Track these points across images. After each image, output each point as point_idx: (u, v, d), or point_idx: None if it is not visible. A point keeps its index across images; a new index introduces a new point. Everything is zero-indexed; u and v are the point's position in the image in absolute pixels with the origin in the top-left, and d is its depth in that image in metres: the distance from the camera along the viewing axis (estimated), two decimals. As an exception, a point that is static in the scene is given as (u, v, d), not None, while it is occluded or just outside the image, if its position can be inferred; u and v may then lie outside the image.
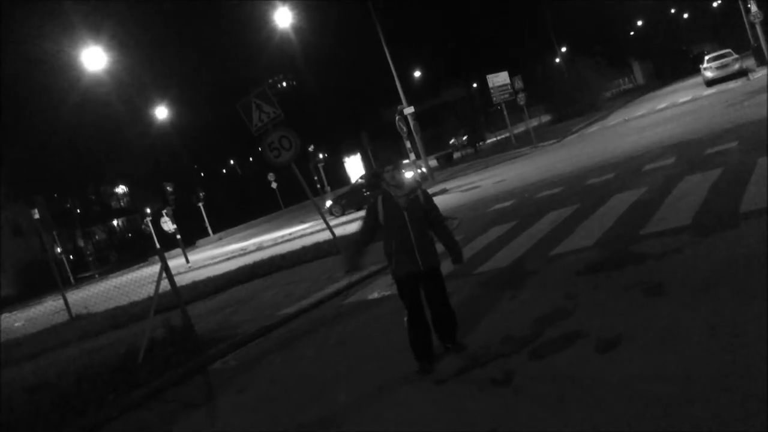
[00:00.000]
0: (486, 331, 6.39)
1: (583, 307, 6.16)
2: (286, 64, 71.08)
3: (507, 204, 14.69)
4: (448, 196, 22.13)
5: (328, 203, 32.04)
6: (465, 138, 46.34)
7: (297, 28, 39.85)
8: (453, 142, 47.44)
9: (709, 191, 9.03)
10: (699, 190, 9.29)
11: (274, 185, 49.64)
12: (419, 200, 5.87)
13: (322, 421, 5.57)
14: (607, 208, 10.28)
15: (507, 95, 35.68)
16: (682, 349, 4.63)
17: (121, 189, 76.00)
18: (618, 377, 4.54)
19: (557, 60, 61.83)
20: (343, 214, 30.00)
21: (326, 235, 16.25)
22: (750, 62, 34.67)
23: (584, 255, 7.97)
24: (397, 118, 27.92)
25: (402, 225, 5.76)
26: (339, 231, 18.91)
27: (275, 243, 26.79)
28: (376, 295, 9.79)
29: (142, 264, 38.16)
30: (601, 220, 9.58)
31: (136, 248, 56.62)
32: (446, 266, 6.46)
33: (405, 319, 5.96)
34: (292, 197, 47.48)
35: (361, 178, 31.97)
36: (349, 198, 30.57)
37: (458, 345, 6.06)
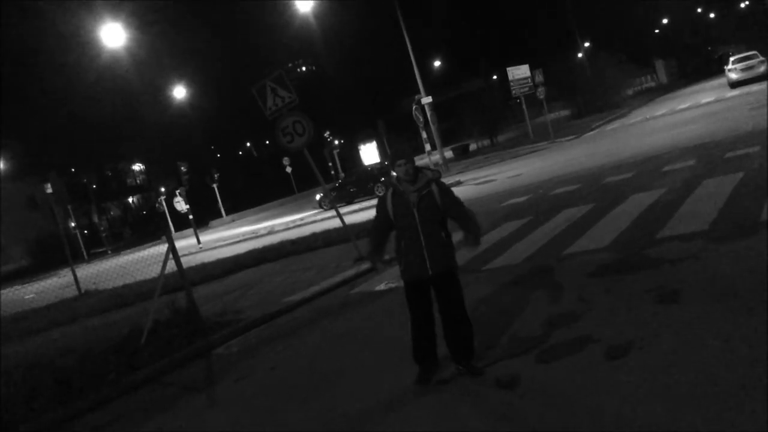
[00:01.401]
0: (493, 329, 6.23)
1: (594, 311, 5.99)
2: (306, 48, 70.83)
3: (522, 199, 14.49)
4: (462, 189, 21.91)
5: (318, 196, 32.00)
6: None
7: (318, 13, 39.66)
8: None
9: (729, 196, 8.80)
10: (719, 194, 9.06)
11: (288, 169, 49.58)
12: (434, 196, 5.25)
13: (320, 415, 5.45)
14: (623, 209, 10.07)
15: (527, 89, 35.31)
16: (695, 360, 4.45)
17: (137, 167, 76.26)
18: (628, 386, 4.38)
19: (579, 55, 61.15)
20: (332, 208, 29.91)
21: (337, 222, 16.12)
22: (777, 65, 34.00)
23: (598, 256, 7.78)
24: (414, 107, 27.68)
25: (411, 225, 5.22)
26: (327, 225, 18.85)
27: (287, 228, 26.73)
28: (383, 286, 9.66)
29: (154, 242, 38.26)
30: (617, 220, 9.37)
31: (150, 226, 56.86)
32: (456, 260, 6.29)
33: (410, 327, 5.52)
34: (306, 182, 47.33)
35: (347, 175, 31.82)
36: (339, 192, 30.61)
37: (473, 369, 5.34)
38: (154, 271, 13.90)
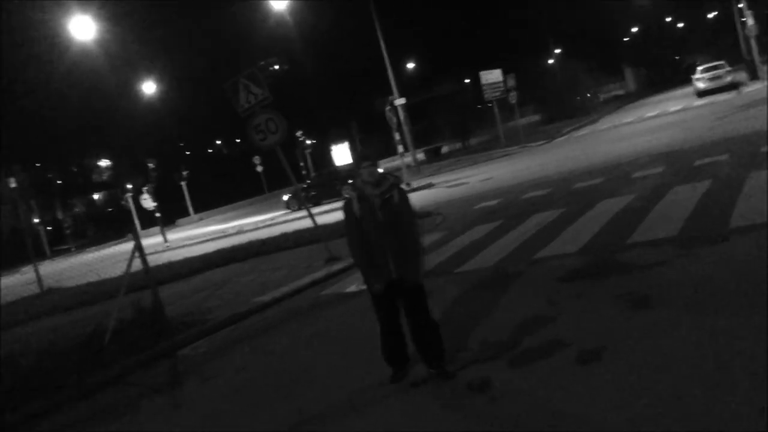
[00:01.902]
0: (464, 333, 6.19)
1: (565, 315, 5.98)
2: (279, 47, 70.38)
3: (493, 203, 14.52)
4: (434, 191, 21.95)
5: (286, 197, 31.89)
6: None
7: (292, 12, 39.42)
8: None
9: (698, 203, 8.90)
10: (688, 201, 9.15)
11: (259, 168, 49.23)
12: (393, 199, 5.27)
13: (289, 417, 5.35)
14: (593, 214, 10.13)
15: (499, 93, 35.53)
16: (667, 365, 4.45)
17: (104, 162, 75.00)
18: (600, 391, 4.37)
19: (550, 61, 61.77)
20: (299, 209, 29.84)
21: (307, 223, 15.99)
22: (742, 76, 34.77)
23: (569, 261, 7.80)
24: (387, 108, 27.65)
25: (375, 227, 5.22)
26: (297, 225, 18.74)
27: (256, 227, 26.50)
28: (354, 288, 9.57)
29: (120, 240, 37.67)
30: (587, 225, 9.42)
31: (115, 224, 55.96)
32: (426, 263, 6.26)
33: (378, 330, 5.52)
34: (276, 182, 47.01)
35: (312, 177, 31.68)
36: (308, 193, 30.55)
37: (444, 372, 5.31)
38: (119, 269, 13.66)
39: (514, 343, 5.63)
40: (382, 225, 5.20)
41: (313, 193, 30.47)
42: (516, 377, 4.98)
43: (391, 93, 30.76)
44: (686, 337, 4.82)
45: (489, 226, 11.50)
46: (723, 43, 59.71)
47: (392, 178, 5.46)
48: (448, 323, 6.47)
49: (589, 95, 50.82)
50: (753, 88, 29.27)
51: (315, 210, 25.99)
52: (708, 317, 5.05)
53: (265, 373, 6.77)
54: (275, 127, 12.22)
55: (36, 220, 47.04)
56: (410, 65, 69.93)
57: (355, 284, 9.73)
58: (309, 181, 32.61)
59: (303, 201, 29.44)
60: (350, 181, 28.76)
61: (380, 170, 5.50)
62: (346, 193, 5.56)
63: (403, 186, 5.63)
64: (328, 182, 30.58)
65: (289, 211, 30.76)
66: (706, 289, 5.65)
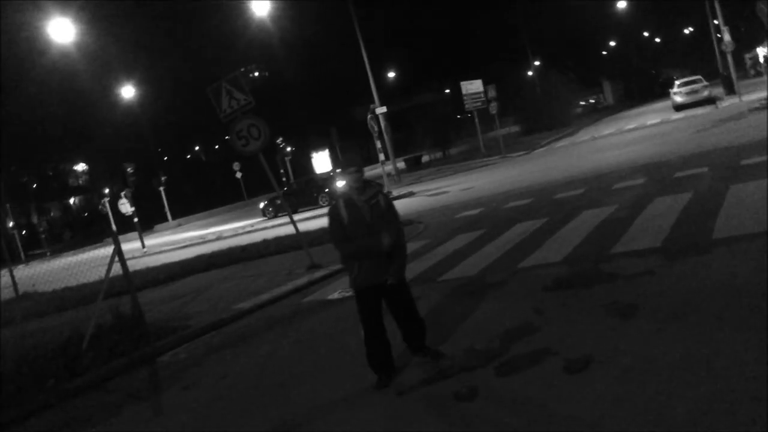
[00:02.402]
0: (450, 341, 6.15)
1: (551, 325, 5.97)
2: (259, 53, 70.20)
3: (474, 212, 14.54)
4: (415, 200, 21.95)
5: (262, 204, 31.87)
6: None
7: (274, 18, 39.37)
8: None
9: (680, 214, 8.97)
10: (670, 212, 9.22)
11: (238, 175, 48.93)
12: (380, 204, 5.41)
13: (270, 425, 5.27)
14: (576, 224, 10.17)
15: (479, 103, 35.69)
16: (655, 375, 4.45)
17: (80, 167, 74.07)
18: (588, 401, 4.35)
19: (530, 73, 62.27)
20: (275, 216, 29.89)
21: (287, 230, 15.90)
22: (719, 90, 35.29)
23: (553, 270, 7.81)
24: (369, 116, 27.67)
25: (364, 231, 5.32)
26: (278, 232, 18.67)
27: (235, 234, 26.31)
28: (336, 295, 9.52)
29: (96, 245, 37.17)
30: (571, 235, 9.45)
31: (91, 228, 55.28)
32: (410, 271, 6.22)
33: (361, 333, 5.55)
34: (256, 188, 46.77)
35: (291, 184, 31.58)
36: (283, 200, 30.27)
37: (433, 352, 5.69)
38: (96, 275, 13.47)
39: (500, 352, 5.60)
40: (370, 229, 5.29)
41: (293, 199, 30.29)
42: (504, 386, 4.96)
43: (371, 101, 30.79)
44: (674, 346, 4.83)
45: (471, 235, 11.50)
46: (699, 58, 60.76)
47: (376, 185, 5.59)
48: (433, 330, 6.42)
49: (585, 103, 51.21)
50: (729, 103, 29.74)
51: (284, 220, 26.07)
52: (695, 327, 5.07)
53: (247, 380, 6.68)
54: (258, 133, 12.14)
55: (10, 224, 46.30)
56: (391, 74, 70.21)
57: (337, 292, 9.68)
58: (286, 189, 32.46)
59: (279, 208, 29.56)
60: (327, 190, 28.85)
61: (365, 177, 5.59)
62: (323, 201, 5.61)
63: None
64: (305, 190, 30.50)
65: (265, 218, 30.62)
66: (693, 299, 5.67)
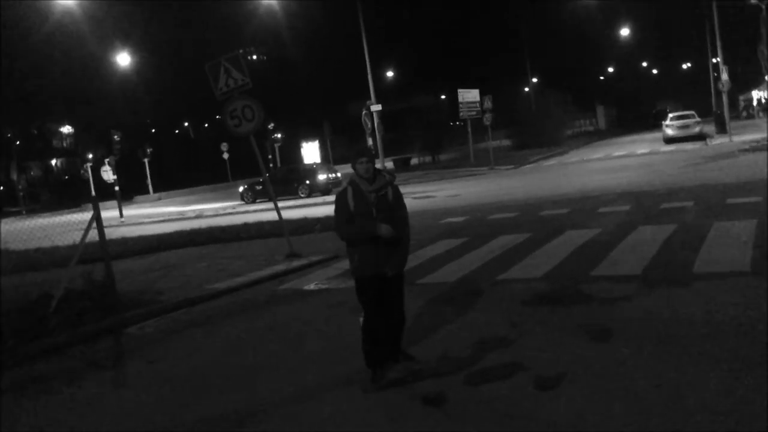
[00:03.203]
0: (424, 345, 6.11)
1: (526, 339, 5.96)
2: (261, 37, 69.84)
3: (459, 219, 14.52)
4: (400, 201, 21.87)
5: (241, 188, 31.86)
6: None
7: (281, 4, 39.16)
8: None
9: (662, 245, 9.01)
10: (652, 242, 9.26)
11: (225, 156, 48.59)
12: (387, 198, 5.36)
13: (232, 413, 5.20)
14: (559, 242, 10.19)
15: (474, 113, 35.79)
16: (626, 400, 4.45)
17: (67, 129, 73.04)
18: (555, 418, 4.33)
19: (527, 89, 62.49)
20: (253, 202, 29.90)
21: (268, 216, 15.81)
22: (710, 128, 35.63)
23: (532, 285, 7.80)
24: (363, 113, 27.60)
25: (369, 222, 5.26)
26: (260, 217, 18.57)
27: (216, 214, 26.10)
28: (312, 286, 9.45)
29: (73, 209, 36.71)
30: (553, 253, 9.46)
31: (71, 192, 54.58)
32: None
33: (361, 320, 5.45)
34: (242, 170, 46.46)
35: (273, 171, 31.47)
36: (263, 187, 30.22)
37: (407, 355, 5.59)
38: (70, 239, 13.26)
39: (473, 361, 5.58)
40: (377, 221, 5.22)
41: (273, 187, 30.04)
42: (472, 395, 4.93)
43: (367, 98, 30.69)
44: (645, 373, 4.84)
45: (454, 242, 11.48)
46: (694, 94, 61.36)
47: (387, 176, 5.50)
48: (407, 333, 6.38)
49: (561, 130, 51.32)
50: (719, 142, 30.03)
51: (271, 205, 25.92)
52: (667, 357, 5.08)
53: (214, 361, 6.59)
54: (252, 114, 12.03)
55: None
56: (389, 73, 70.17)
57: (313, 283, 9.61)
58: (267, 175, 32.18)
59: (258, 194, 29.61)
60: (307, 182, 28.71)
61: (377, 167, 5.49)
62: (303, 193, 5.46)
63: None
64: (287, 179, 30.30)
65: (243, 202, 30.56)
66: (667, 330, 5.69)
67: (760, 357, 4.83)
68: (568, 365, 5.17)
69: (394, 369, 5.44)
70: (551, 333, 6.04)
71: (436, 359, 5.75)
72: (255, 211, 24.26)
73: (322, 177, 29.95)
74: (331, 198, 25.13)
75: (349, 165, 5.49)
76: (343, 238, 5.45)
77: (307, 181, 29.46)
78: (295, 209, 21.45)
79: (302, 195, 29.20)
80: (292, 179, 30.26)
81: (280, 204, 24.06)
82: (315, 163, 34.97)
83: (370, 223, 5.23)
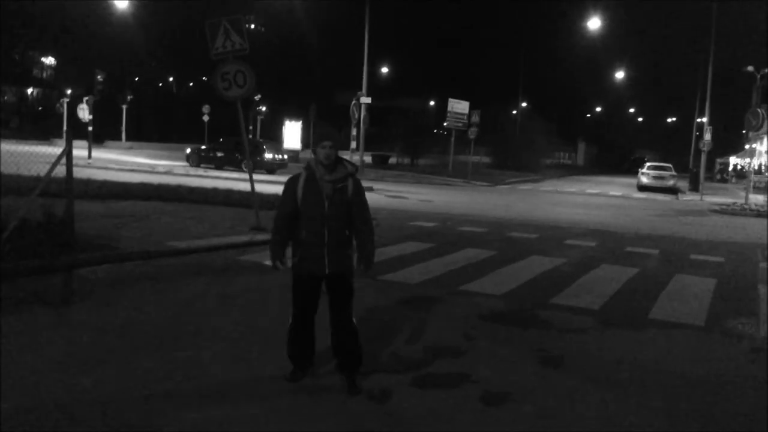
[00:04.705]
0: (375, 341, 6.05)
1: (478, 352, 5.96)
2: (264, 7, 69.18)
3: (429, 224, 14.52)
4: (374, 196, 21.78)
5: (188, 150, 32.23)
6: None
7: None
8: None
9: (623, 285, 9.12)
10: (614, 281, 9.36)
11: (205, 118, 47.94)
12: (347, 191, 4.82)
13: (164, 370, 5.09)
14: (523, 265, 10.24)
15: (461, 124, 35.93)
16: (562, 428, 4.48)
17: (49, 60, 71.29)
18: (496, 435, 4.33)
19: (515, 112, 62.96)
20: (198, 166, 30.43)
21: (244, 186, 15.62)
22: (683, 184, 36.32)
23: (491, 301, 7.82)
24: (353, 102, 27.49)
25: (318, 215, 4.75)
26: (181, 181, 18.41)
27: (187, 174, 25.73)
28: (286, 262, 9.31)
29: (41, 141, 35.85)
30: (515, 274, 9.50)
31: (42, 125, 53.35)
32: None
33: (289, 322, 5.05)
34: (218, 135, 45.89)
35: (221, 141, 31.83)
36: (208, 154, 31.06)
37: (352, 385, 4.94)
38: (34, 170, 12.94)
39: (423, 364, 5.56)
40: (326, 216, 4.76)
41: (219, 154, 30.63)
42: (418, 397, 4.90)
43: (357, 89, 30.56)
44: (587, 405, 4.88)
45: (421, 245, 11.47)
46: (673, 147, 62.52)
47: (350, 167, 4.92)
48: (361, 327, 6.32)
49: (541, 159, 51.72)
50: (689, 198, 30.62)
51: (216, 173, 26.12)
52: (611, 393, 5.13)
53: (161, 317, 6.45)
54: (243, 81, 11.88)
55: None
56: (384, 69, 70.06)
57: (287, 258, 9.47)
58: (213, 144, 32.44)
59: (202, 160, 30.53)
60: (238, 155, 28.61)
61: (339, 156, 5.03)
62: (245, 167, 5.06)
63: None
64: (232, 150, 30.24)
65: (187, 165, 30.87)
66: (615, 368, 5.75)
67: (698, 413, 4.92)
68: (514, 385, 5.18)
69: (317, 373, 5.20)
70: (503, 351, 6.05)
71: (387, 356, 5.72)
72: (228, 178, 23.94)
73: (267, 155, 30.10)
74: (274, 178, 25.13)
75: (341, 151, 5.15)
76: (273, 237, 5.01)
77: (257, 156, 29.63)
78: (237, 182, 21.29)
79: (245, 169, 29.08)
80: (239, 152, 30.29)
81: (223, 174, 23.96)
82: (263, 140, 34.97)
83: (278, 246, 4.92)
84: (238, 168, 28.55)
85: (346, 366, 5.03)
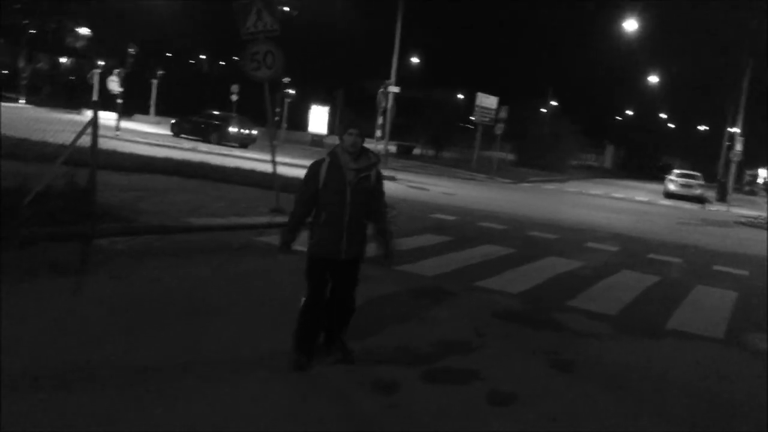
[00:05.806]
0: (386, 332, 6.03)
1: (488, 350, 5.90)
2: (297, -9, 69.01)
3: (449, 218, 14.43)
4: (395, 185, 21.69)
5: (173, 121, 33.85)
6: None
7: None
8: None
9: (641, 293, 8.98)
10: (633, 288, 9.23)
11: (234, 98, 48.08)
12: (369, 180, 4.94)
13: (177, 346, 5.09)
14: (541, 265, 10.13)
15: (488, 119, 35.67)
16: (573, 435, 4.41)
17: (84, 30, 71.91)
18: (501, 436, 4.28)
19: (544, 110, 62.36)
20: (177, 136, 31.87)
21: (266, 167, 15.61)
22: (711, 194, 35.76)
23: (506, 300, 7.74)
24: (380, 91, 27.39)
25: (339, 201, 4.85)
26: (203, 158, 18.56)
27: (210, 152, 25.80)
28: (296, 246, 9.29)
29: (70, 110, 36.17)
30: (533, 273, 9.40)
31: (73, 93, 53.85)
32: (370, 250, 6.01)
33: (302, 301, 5.09)
34: (246, 115, 46.07)
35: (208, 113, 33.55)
36: (191, 125, 32.59)
37: (346, 349, 5.18)
38: (61, 138, 12.99)
39: (432, 358, 5.52)
40: (348, 202, 4.85)
41: (201, 126, 32.14)
42: (424, 392, 4.86)
43: (385, 76, 30.38)
44: (598, 414, 4.80)
45: (439, 238, 11.39)
46: (703, 155, 61.56)
47: (374, 157, 5.04)
48: (372, 315, 6.32)
49: (567, 159, 51.22)
50: (716, 208, 30.17)
51: (204, 147, 26.91)
52: (623, 405, 5.05)
53: (176, 294, 6.46)
54: (272, 61, 11.84)
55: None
56: (413, 59, 69.69)
57: (298, 244, 9.45)
58: (188, 116, 33.84)
59: (183, 130, 32.15)
60: (220, 131, 29.32)
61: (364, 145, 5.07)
62: (213, 140, 5.11)
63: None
64: (204, 124, 32.08)
65: (171, 134, 32.38)
66: (628, 376, 5.66)
67: (709, 427, 4.82)
68: (522, 387, 5.12)
69: (323, 362, 5.13)
70: (514, 351, 5.98)
71: (395, 348, 5.67)
72: (249, 158, 23.99)
73: (233, 129, 31.63)
74: (241, 153, 25.61)
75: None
76: (291, 221, 5.13)
77: (223, 130, 31.01)
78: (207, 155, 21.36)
79: (213, 142, 30.65)
80: (207, 125, 31.92)
81: (191, 145, 24.51)
82: (231, 115, 35.52)
83: (291, 232, 5.10)
84: (206, 140, 30.47)
85: (336, 329, 5.22)
